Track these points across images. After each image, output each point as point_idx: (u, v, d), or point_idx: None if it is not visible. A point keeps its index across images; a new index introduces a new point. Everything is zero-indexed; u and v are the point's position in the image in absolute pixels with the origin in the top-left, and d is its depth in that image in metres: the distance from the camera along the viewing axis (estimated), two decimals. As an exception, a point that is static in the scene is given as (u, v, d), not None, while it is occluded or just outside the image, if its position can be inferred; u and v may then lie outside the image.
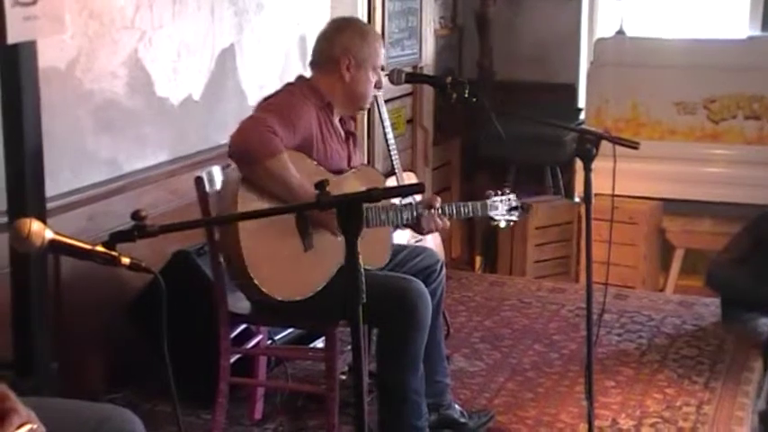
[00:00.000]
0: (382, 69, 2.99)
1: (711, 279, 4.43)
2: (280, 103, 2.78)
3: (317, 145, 2.80)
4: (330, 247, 2.77)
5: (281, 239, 2.71)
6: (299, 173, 2.68)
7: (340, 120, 2.98)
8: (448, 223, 2.96)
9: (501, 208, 3.09)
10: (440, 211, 2.92)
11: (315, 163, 2.80)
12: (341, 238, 2.71)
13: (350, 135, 3.00)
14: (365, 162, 3.11)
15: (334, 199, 1.74)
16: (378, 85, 2.98)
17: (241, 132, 2.66)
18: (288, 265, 2.73)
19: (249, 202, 2.64)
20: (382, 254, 2.96)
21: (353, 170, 2.92)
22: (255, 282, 2.65)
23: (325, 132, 2.85)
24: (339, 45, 2.89)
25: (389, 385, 2.84)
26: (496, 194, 3.11)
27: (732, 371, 3.76)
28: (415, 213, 2.88)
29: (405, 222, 2.93)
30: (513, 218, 3.13)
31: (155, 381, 3.34)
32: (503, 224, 3.12)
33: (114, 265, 1.63)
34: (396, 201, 3.04)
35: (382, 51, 2.98)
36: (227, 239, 2.70)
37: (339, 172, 2.87)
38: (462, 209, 3.02)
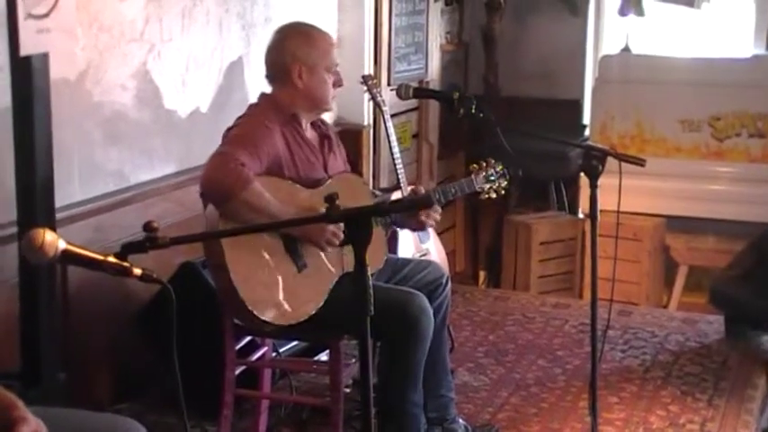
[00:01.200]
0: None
1: (715, 296, 4.43)
2: (241, 133, 2.76)
3: (286, 163, 2.79)
4: (324, 263, 2.78)
5: (273, 266, 2.71)
6: (275, 195, 2.67)
7: (313, 124, 2.96)
8: (440, 210, 3.02)
9: (487, 179, 3.16)
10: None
11: (289, 181, 2.78)
12: (331, 250, 2.74)
13: (324, 138, 2.97)
14: (348, 165, 3.10)
15: (344, 213, 1.75)
16: (336, 84, 2.92)
17: (209, 171, 2.64)
18: (285, 290, 2.72)
19: (234, 238, 2.62)
20: (378, 256, 2.95)
21: (330, 180, 2.88)
22: (256, 314, 2.65)
23: (294, 148, 2.83)
24: (287, 54, 2.85)
25: (390, 397, 2.85)
26: (480, 167, 3.18)
27: (736, 388, 3.76)
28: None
29: (395, 221, 2.98)
30: (503, 185, 3.20)
31: (160, 392, 3.35)
32: (493, 194, 3.17)
33: (126, 276, 1.63)
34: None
35: (333, 50, 2.93)
36: (218, 279, 2.69)
37: (317, 182, 2.85)
38: (450, 189, 3.11)
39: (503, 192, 3.22)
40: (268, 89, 2.95)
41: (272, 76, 2.91)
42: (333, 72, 2.90)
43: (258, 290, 2.66)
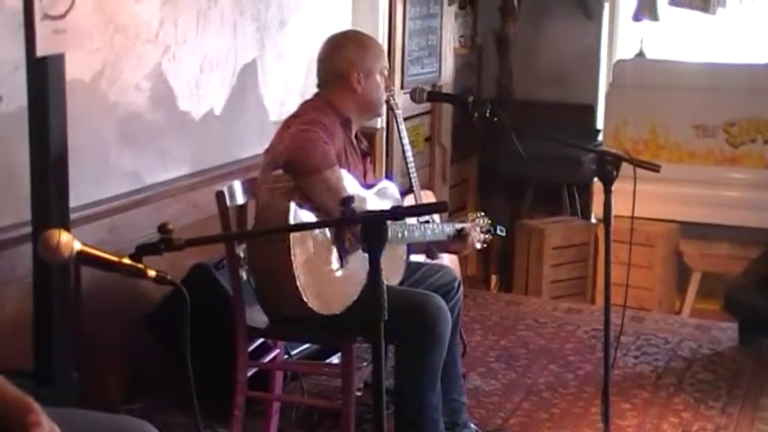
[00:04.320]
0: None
1: (730, 303, 4.40)
2: (318, 119, 2.77)
3: (343, 161, 2.81)
4: (360, 266, 2.77)
5: (320, 254, 2.71)
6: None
7: (356, 137, 3.00)
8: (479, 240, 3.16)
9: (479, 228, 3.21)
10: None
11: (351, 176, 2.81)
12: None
13: (366, 154, 3.02)
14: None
15: (360, 215, 1.75)
16: (387, 88, 3.00)
17: (298, 143, 2.65)
18: (328, 279, 2.73)
19: (300, 215, 2.63)
20: (397, 272, 2.96)
21: (376, 188, 2.92)
22: (302, 295, 2.63)
23: (347, 148, 2.87)
24: (344, 60, 2.89)
25: (408, 402, 2.83)
26: (473, 218, 3.23)
27: (749, 396, 3.74)
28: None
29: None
30: (487, 237, 3.28)
31: (171, 393, 3.35)
32: (477, 246, 3.21)
33: (140, 278, 1.63)
34: (413, 221, 3.05)
35: (384, 54, 3.00)
36: (273, 252, 2.65)
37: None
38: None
39: (485, 245, 3.30)
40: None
41: (327, 82, 2.93)
42: (384, 76, 2.96)
43: (307, 273, 2.65)
